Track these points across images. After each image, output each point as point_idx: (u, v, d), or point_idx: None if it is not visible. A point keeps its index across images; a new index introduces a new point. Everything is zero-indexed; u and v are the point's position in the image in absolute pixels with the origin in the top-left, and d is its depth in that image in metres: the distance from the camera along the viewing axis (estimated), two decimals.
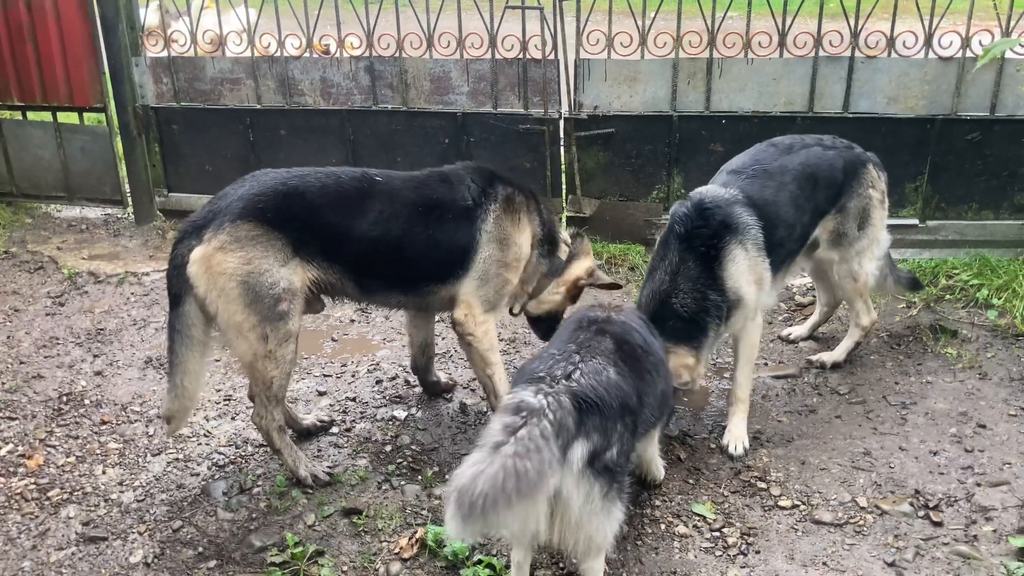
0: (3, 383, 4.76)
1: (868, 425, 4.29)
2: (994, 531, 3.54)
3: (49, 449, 4.22)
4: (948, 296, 5.40)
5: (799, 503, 3.75)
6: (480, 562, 3.35)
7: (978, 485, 3.81)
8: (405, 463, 4.05)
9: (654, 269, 3.99)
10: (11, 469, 4.06)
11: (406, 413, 4.45)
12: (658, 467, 3.78)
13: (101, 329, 5.39)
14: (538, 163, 6.30)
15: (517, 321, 4.92)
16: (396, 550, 3.48)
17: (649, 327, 3.51)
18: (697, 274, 3.87)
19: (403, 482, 3.91)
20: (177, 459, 4.13)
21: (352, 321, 5.49)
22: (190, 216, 3.81)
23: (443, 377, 4.67)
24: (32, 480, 3.98)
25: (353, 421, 4.41)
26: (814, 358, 4.85)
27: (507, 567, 3.26)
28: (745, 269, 3.92)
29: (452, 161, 6.02)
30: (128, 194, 7.08)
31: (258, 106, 6.59)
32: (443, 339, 4.96)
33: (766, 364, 4.88)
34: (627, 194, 6.30)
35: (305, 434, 4.27)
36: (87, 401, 4.62)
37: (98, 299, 5.81)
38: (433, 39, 6.14)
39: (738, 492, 3.83)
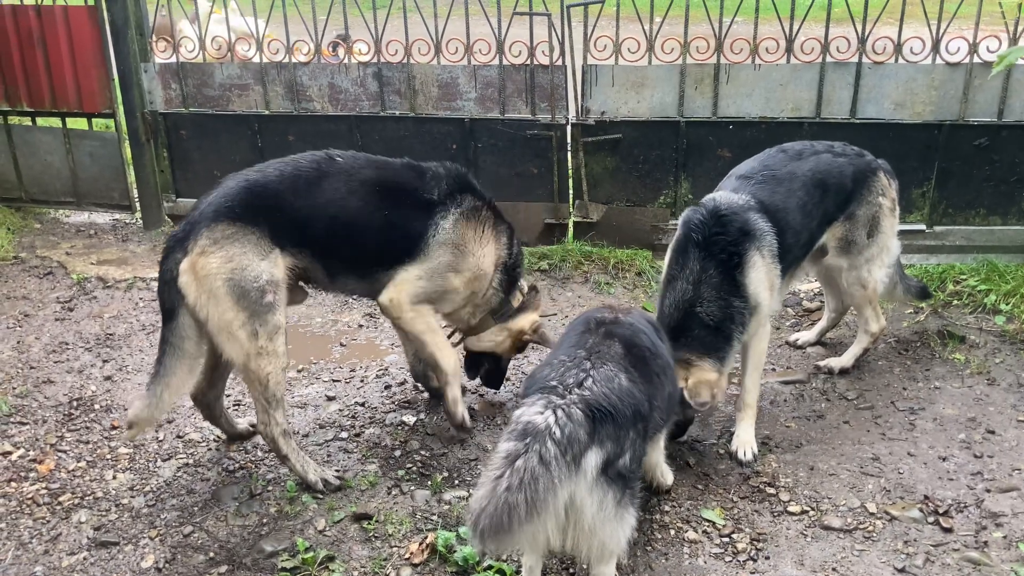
0: (14, 388, 4.78)
1: (876, 431, 4.29)
2: (1004, 537, 3.54)
3: (60, 454, 4.23)
4: (956, 302, 5.40)
5: (808, 509, 3.75)
6: (491, 568, 3.35)
7: (988, 491, 3.81)
8: (415, 468, 4.06)
9: (673, 279, 3.93)
10: (22, 474, 4.07)
11: (415, 418, 4.46)
12: (664, 472, 3.78)
13: (110, 334, 5.41)
14: (545, 168, 6.31)
15: None
16: (407, 555, 3.49)
17: (657, 329, 3.50)
18: (719, 281, 3.84)
19: (413, 487, 3.92)
20: (187, 464, 4.14)
21: (360, 326, 5.50)
22: (171, 232, 3.85)
23: None
24: (43, 485, 4.00)
25: (363, 426, 4.42)
26: (822, 364, 4.85)
27: (518, 572, 3.27)
28: (764, 275, 3.92)
29: (461, 167, 6.05)
30: (136, 199, 7.12)
31: (266, 112, 6.62)
32: None
33: (774, 369, 4.89)
34: (634, 199, 6.31)
35: (239, 439, 4.29)
36: (97, 406, 4.64)
37: (107, 304, 5.83)
38: (441, 45, 6.17)
39: (747, 498, 3.84)
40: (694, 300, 3.84)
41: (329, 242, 3.86)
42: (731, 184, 4.19)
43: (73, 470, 4.11)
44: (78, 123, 7.10)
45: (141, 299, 5.87)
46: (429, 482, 3.94)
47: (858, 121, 5.84)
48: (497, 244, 4.19)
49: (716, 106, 5.99)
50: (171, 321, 3.69)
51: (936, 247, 6.01)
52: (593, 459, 2.77)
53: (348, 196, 3.86)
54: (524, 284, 4.46)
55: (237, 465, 4.12)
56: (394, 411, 4.54)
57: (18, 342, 5.31)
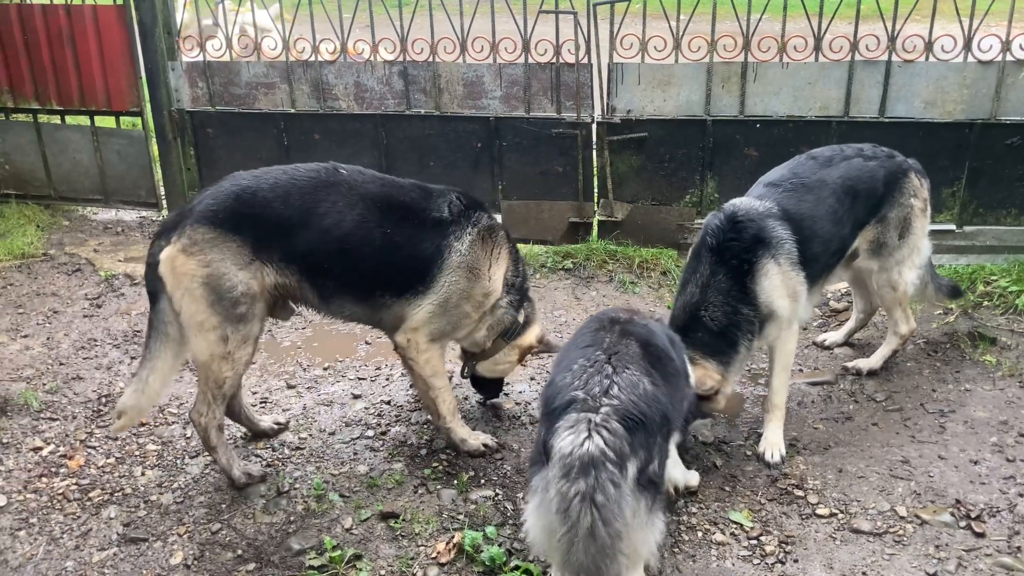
0: (44, 384, 4.82)
1: (906, 433, 4.25)
2: None
3: (89, 450, 4.27)
4: (986, 303, 5.33)
5: (837, 512, 3.71)
6: (517, 568, 3.36)
7: (1021, 495, 3.76)
8: (441, 467, 4.06)
9: (686, 282, 3.97)
10: (53, 470, 4.12)
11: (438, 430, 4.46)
12: (678, 475, 3.73)
13: (138, 331, 5.45)
14: (570, 167, 6.30)
15: None
16: (433, 555, 3.49)
17: (670, 333, 3.47)
18: (728, 287, 3.85)
19: (439, 486, 3.92)
20: (214, 461, 4.16)
21: None
22: (164, 218, 3.85)
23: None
24: (74, 481, 4.04)
25: (388, 424, 4.43)
26: (850, 365, 4.81)
27: (544, 573, 3.26)
28: (779, 284, 3.90)
29: (485, 165, 6.06)
30: (163, 197, 7.17)
31: (292, 110, 6.64)
32: None
33: (801, 370, 4.85)
34: (660, 198, 6.28)
35: (262, 436, 4.30)
36: None
37: (134, 301, 5.87)
38: (466, 43, 6.16)
39: (775, 500, 3.81)
40: (700, 304, 3.86)
41: (320, 259, 3.72)
42: (758, 191, 4.18)
43: (102, 466, 4.15)
44: (106, 121, 7.17)
45: None
46: (455, 481, 3.94)
47: (887, 120, 5.78)
48: (508, 264, 4.04)
49: (743, 105, 5.95)
50: (155, 304, 3.74)
51: (966, 247, 5.93)
52: (632, 469, 2.76)
53: (345, 210, 3.69)
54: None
55: (263, 462, 4.14)
56: (419, 409, 4.54)
57: (48, 338, 5.37)
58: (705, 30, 5.87)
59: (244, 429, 4.32)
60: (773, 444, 4.09)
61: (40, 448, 4.27)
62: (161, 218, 7.18)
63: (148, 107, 6.94)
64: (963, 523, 3.61)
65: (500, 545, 3.48)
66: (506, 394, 4.68)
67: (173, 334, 3.73)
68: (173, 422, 4.50)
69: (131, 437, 4.37)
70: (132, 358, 5.12)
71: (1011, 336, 4.98)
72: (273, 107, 6.67)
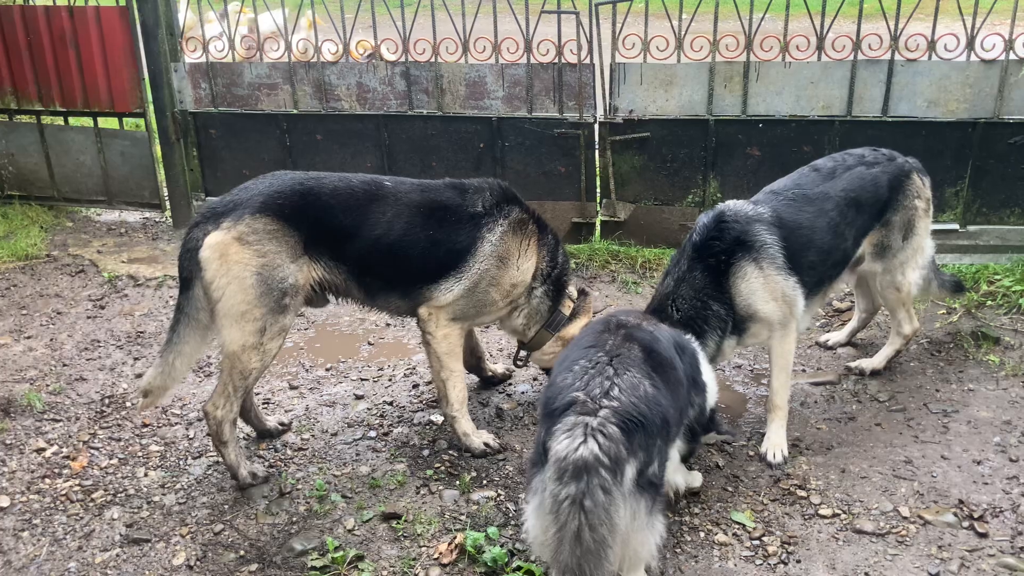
0: (47, 385, 4.84)
1: (909, 433, 4.24)
2: None
3: (93, 451, 4.28)
4: (990, 302, 5.32)
5: (840, 512, 3.71)
6: (519, 569, 3.36)
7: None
8: (443, 468, 4.06)
9: (666, 274, 4.09)
10: (56, 470, 4.12)
11: (443, 417, 4.46)
12: (680, 479, 3.71)
13: (141, 332, 5.46)
14: (573, 167, 6.29)
15: None
16: (435, 555, 3.49)
17: (680, 341, 3.45)
18: (702, 284, 3.93)
19: (441, 487, 3.92)
20: (217, 462, 4.16)
21: (388, 325, 5.52)
22: (209, 203, 3.86)
23: (500, 368, 4.81)
24: (77, 481, 4.04)
25: (391, 425, 4.43)
26: (853, 365, 4.80)
27: (546, 574, 3.26)
28: (758, 287, 3.93)
29: (487, 166, 6.07)
30: (166, 198, 7.18)
31: (295, 111, 6.65)
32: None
33: (804, 370, 4.84)
34: (662, 198, 6.28)
35: (267, 436, 4.32)
36: (128, 403, 4.68)
37: (138, 302, 5.89)
38: (469, 44, 6.16)
39: (777, 500, 3.80)
40: (670, 295, 3.96)
41: (370, 262, 3.92)
42: (760, 197, 4.23)
43: (105, 467, 4.16)
44: (109, 123, 7.18)
45: (171, 297, 5.92)
46: (457, 482, 3.94)
47: (890, 119, 5.77)
48: (539, 255, 4.17)
49: (746, 104, 5.94)
50: (187, 290, 3.78)
51: (969, 247, 5.92)
52: (630, 471, 2.76)
53: (393, 220, 3.90)
54: (573, 290, 4.41)
55: (266, 463, 4.14)
56: (422, 410, 4.55)
57: (51, 339, 5.38)
58: (707, 29, 5.86)
59: (249, 429, 4.32)
60: (776, 444, 4.09)
61: (43, 449, 4.28)
62: (165, 219, 7.21)
63: (151, 108, 6.95)
64: (966, 523, 3.60)
65: (502, 546, 3.49)
66: (509, 395, 4.68)
67: (204, 320, 3.79)
68: (176, 423, 4.51)
69: (134, 438, 4.38)
70: (135, 359, 5.14)
71: (1015, 336, 4.97)
72: (276, 108, 6.68)
